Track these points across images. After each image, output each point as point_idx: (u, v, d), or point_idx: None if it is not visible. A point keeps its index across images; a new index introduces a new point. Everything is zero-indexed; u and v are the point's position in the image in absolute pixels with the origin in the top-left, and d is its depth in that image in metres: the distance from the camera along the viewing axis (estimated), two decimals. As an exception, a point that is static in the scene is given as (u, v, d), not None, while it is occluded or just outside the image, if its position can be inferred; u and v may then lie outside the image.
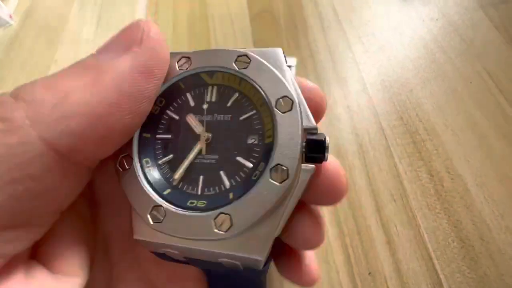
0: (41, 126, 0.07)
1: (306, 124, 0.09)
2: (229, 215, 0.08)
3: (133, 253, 0.11)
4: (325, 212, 0.19)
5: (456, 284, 0.16)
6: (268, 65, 0.09)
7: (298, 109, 0.09)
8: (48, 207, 0.08)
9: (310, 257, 0.11)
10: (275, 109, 0.09)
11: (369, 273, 0.17)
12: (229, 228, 0.08)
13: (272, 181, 0.08)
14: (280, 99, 0.09)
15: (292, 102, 0.09)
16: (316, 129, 0.09)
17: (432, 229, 0.17)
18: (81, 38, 0.32)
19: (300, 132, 0.08)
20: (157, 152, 0.10)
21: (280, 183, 0.08)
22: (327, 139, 0.09)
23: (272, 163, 0.08)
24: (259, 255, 0.08)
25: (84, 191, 0.09)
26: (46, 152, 0.07)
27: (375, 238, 0.18)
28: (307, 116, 0.09)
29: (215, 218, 0.08)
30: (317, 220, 0.10)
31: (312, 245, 0.10)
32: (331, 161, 0.09)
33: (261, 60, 0.09)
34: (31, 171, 0.07)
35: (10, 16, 0.35)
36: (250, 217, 0.08)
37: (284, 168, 0.08)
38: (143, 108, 0.08)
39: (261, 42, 0.27)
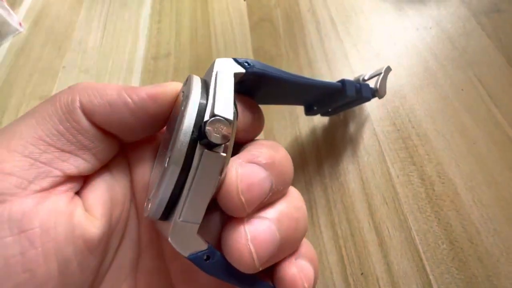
0: (84, 98, 0.10)
1: (210, 112, 0.09)
2: (150, 199, 0.10)
3: (159, 244, 0.12)
4: (319, 214, 0.20)
5: (445, 285, 0.16)
6: (193, 76, 0.11)
7: (193, 101, 0.10)
8: (90, 150, 0.11)
9: (302, 274, 0.11)
10: (181, 108, 0.10)
11: (362, 274, 0.17)
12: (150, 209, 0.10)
13: (165, 166, 0.10)
14: (184, 99, 0.10)
15: (187, 96, 0.10)
16: (215, 115, 0.09)
17: (423, 232, 0.18)
18: (87, 45, 0.33)
19: (184, 121, 0.09)
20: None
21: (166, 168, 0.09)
22: (211, 119, 0.09)
23: (168, 154, 0.10)
24: (168, 236, 0.09)
25: (125, 169, 0.12)
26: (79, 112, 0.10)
27: (368, 240, 0.18)
28: (213, 105, 0.10)
29: (149, 202, 0.10)
30: (236, 233, 0.10)
31: (238, 263, 0.09)
32: (234, 168, 0.10)
33: (192, 75, 0.11)
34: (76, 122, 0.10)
35: (20, 24, 0.37)
36: (155, 201, 0.10)
37: (169, 155, 0.09)
38: (143, 120, 0.11)
39: (260, 50, 0.28)
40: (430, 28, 0.26)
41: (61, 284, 0.09)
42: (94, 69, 0.31)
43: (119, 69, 0.30)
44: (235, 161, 0.10)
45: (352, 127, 0.22)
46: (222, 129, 0.09)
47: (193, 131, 0.09)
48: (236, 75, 0.11)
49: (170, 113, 0.12)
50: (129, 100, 0.11)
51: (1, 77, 0.32)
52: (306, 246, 0.12)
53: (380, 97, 0.20)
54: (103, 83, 0.11)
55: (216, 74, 0.10)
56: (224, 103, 0.10)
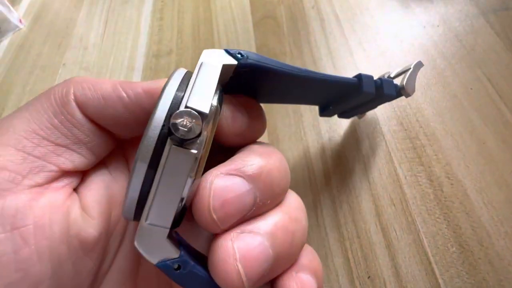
0: (78, 93, 0.10)
1: (183, 103, 0.09)
2: None
3: None
4: (325, 215, 0.19)
5: (455, 289, 0.16)
6: (178, 69, 0.10)
7: (167, 92, 0.09)
8: (85, 145, 0.10)
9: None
10: None
11: (369, 277, 0.17)
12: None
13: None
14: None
15: (163, 88, 0.09)
16: (186, 107, 0.08)
17: (432, 234, 0.17)
18: (88, 42, 0.33)
19: (155, 114, 0.09)
20: None
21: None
22: (183, 110, 0.08)
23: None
24: (135, 241, 0.09)
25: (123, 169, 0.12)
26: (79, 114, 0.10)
27: (375, 242, 0.18)
28: (188, 96, 0.09)
29: None
30: (223, 251, 0.09)
31: (224, 285, 0.09)
32: (209, 181, 0.09)
33: (178, 68, 0.10)
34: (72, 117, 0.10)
35: (20, 21, 0.36)
36: (125, 201, 0.09)
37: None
38: (138, 115, 0.11)
39: (264, 47, 0.28)
40: (437, 26, 0.26)
41: (55, 285, 0.09)
42: (94, 66, 0.30)
43: (120, 66, 0.30)
44: (212, 173, 0.09)
45: (358, 126, 0.22)
46: (191, 123, 0.08)
47: (163, 125, 0.08)
48: (226, 67, 0.10)
49: None
50: (124, 94, 0.10)
51: (1, 74, 0.31)
52: (308, 255, 0.11)
53: (407, 95, 0.17)
54: (98, 78, 0.11)
55: (200, 65, 0.09)
56: (200, 95, 0.09)
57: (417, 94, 0.22)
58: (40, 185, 0.09)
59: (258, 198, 0.09)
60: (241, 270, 0.08)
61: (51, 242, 0.09)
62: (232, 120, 0.11)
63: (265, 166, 0.10)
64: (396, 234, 0.18)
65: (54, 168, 0.10)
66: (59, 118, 0.10)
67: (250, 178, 0.09)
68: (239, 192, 0.09)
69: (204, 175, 0.09)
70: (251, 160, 0.10)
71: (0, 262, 0.08)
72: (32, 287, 0.08)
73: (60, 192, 0.10)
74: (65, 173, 0.10)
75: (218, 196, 0.09)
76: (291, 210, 0.10)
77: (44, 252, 0.09)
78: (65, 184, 0.10)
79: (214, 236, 0.09)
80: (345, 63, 0.25)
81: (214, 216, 0.09)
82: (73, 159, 0.10)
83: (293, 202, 0.11)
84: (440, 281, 0.16)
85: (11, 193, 0.09)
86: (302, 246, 0.10)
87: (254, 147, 0.11)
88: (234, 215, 0.09)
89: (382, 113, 0.22)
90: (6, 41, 0.34)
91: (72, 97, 0.10)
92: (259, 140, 0.12)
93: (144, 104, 0.10)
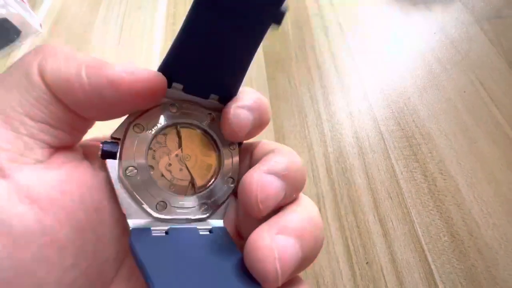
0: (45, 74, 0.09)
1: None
2: None
3: None
4: (327, 207, 0.21)
5: (446, 274, 0.17)
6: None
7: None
8: (65, 122, 0.10)
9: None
10: None
11: (367, 263, 0.19)
12: None
13: None
14: None
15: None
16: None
17: (425, 225, 0.19)
18: (105, 46, 0.35)
19: None
20: None
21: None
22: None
23: None
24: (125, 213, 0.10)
25: None
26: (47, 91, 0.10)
27: (373, 231, 0.19)
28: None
29: None
30: (265, 249, 0.10)
31: (262, 279, 0.10)
32: (256, 178, 0.11)
33: None
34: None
35: (40, 25, 0.38)
36: None
37: None
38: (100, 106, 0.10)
39: (271, 54, 0.30)
40: (434, 33, 0.27)
41: (81, 249, 0.10)
42: (111, 68, 0.32)
43: (135, 68, 0.32)
44: (256, 172, 0.11)
45: (358, 126, 0.24)
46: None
47: None
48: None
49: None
50: (86, 80, 0.09)
51: (23, 75, 0.33)
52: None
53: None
54: (71, 51, 0.10)
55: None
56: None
57: (414, 97, 0.24)
58: (41, 161, 0.10)
59: (286, 192, 0.11)
60: (279, 268, 0.10)
61: (69, 211, 0.10)
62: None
63: (291, 167, 0.12)
64: (393, 224, 0.19)
65: (43, 145, 0.10)
66: (33, 94, 0.09)
67: (282, 176, 0.11)
68: (277, 188, 0.11)
69: (249, 172, 0.11)
70: (281, 162, 0.12)
71: (28, 230, 0.09)
72: (61, 249, 0.09)
73: (64, 167, 0.10)
74: (59, 149, 0.10)
75: (263, 190, 0.11)
76: (313, 218, 0.12)
77: (64, 220, 0.09)
78: (66, 160, 0.10)
79: (252, 234, 0.11)
80: (347, 67, 0.27)
81: (261, 206, 0.11)
82: (56, 135, 0.10)
83: (312, 211, 0.12)
84: (432, 267, 0.18)
85: (17, 170, 0.09)
86: (319, 251, 0.12)
87: (280, 149, 0.13)
88: (272, 205, 0.11)
89: (381, 113, 0.24)
90: (26, 45, 0.36)
91: (37, 74, 0.09)
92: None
93: (104, 93, 0.09)
